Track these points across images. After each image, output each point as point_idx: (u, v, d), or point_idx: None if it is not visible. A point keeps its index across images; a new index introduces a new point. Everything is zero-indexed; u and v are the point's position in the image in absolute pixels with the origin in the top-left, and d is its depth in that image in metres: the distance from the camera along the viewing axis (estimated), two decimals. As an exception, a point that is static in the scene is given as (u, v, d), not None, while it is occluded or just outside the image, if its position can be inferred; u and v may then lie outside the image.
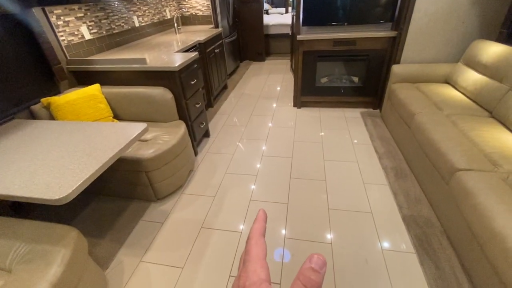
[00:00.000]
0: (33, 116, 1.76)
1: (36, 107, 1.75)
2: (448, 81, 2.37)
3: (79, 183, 0.99)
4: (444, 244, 1.42)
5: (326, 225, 1.62)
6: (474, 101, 2.02)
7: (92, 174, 1.06)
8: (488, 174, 1.31)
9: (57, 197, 0.94)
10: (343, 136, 2.53)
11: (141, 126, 1.39)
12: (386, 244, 1.48)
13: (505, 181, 1.28)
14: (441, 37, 2.38)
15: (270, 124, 2.85)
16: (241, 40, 4.95)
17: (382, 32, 2.57)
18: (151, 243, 1.57)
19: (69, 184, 0.99)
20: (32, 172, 1.09)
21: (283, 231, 1.60)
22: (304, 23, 2.70)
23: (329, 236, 1.55)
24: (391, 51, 2.61)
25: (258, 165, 2.20)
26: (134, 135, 1.32)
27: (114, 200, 1.89)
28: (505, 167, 1.35)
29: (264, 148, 2.44)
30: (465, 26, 2.30)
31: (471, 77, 2.08)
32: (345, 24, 2.64)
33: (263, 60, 5.20)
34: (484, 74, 2.00)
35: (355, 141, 2.45)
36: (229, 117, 3.07)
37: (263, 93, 3.71)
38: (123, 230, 1.66)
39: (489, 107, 1.87)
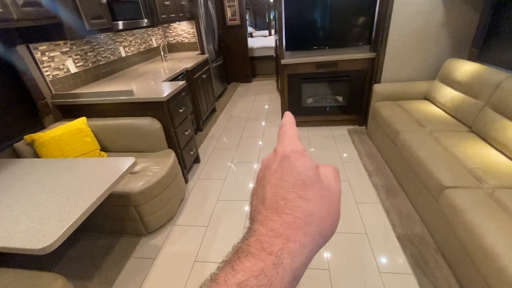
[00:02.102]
0: (16, 154, 1.71)
1: (19, 145, 1.70)
2: (427, 97, 2.48)
3: (64, 229, 0.95)
4: (440, 262, 1.43)
5: (322, 249, 1.60)
6: (453, 117, 2.11)
7: (79, 217, 1.02)
8: (474, 191, 1.35)
9: (41, 246, 0.89)
10: (332, 154, 2.57)
11: (129, 160, 1.37)
12: (383, 266, 1.47)
13: (490, 197, 1.32)
14: (417, 57, 2.52)
15: (260, 145, 2.87)
16: (227, 64, 5.06)
17: (361, 54, 2.69)
18: (142, 282, 1.49)
19: (54, 231, 0.95)
20: (15, 218, 1.04)
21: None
22: (287, 48, 2.81)
23: (326, 261, 1.53)
24: (372, 71, 2.73)
25: (251, 189, 2.18)
26: (122, 171, 1.29)
27: (102, 236, 1.82)
28: (489, 182, 1.40)
29: (255, 170, 2.43)
30: (438, 46, 2.44)
31: (448, 94, 2.18)
32: (326, 48, 2.76)
33: (249, 81, 5.32)
34: (459, 91, 2.11)
35: (344, 158, 2.49)
36: (219, 140, 3.07)
37: (251, 114, 3.76)
38: (113, 269, 1.58)
39: (468, 122, 1.96)
